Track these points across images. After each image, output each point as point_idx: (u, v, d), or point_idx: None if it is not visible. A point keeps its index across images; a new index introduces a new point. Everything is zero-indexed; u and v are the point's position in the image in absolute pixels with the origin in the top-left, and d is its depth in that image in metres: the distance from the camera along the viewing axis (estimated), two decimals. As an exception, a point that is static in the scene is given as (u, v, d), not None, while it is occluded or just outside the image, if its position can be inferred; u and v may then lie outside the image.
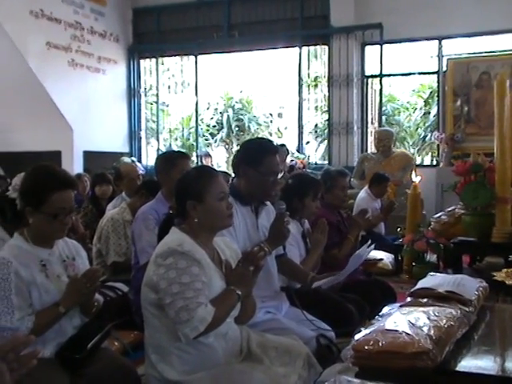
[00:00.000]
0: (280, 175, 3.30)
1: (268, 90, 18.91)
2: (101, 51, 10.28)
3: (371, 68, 9.78)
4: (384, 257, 5.55)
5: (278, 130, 18.89)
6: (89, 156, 9.64)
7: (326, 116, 10.37)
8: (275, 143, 3.25)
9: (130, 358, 2.78)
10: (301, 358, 2.39)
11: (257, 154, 2.93)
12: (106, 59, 10.42)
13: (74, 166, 9.12)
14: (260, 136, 16.86)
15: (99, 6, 10.19)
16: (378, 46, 9.48)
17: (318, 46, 10.30)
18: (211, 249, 2.45)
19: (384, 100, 11.23)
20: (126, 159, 9.20)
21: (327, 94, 9.87)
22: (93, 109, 9.87)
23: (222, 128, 18.78)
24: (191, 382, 2.22)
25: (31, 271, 2.34)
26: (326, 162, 10.10)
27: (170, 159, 3.68)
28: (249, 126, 18.87)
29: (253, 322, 2.61)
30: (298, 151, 10.07)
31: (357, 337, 1.81)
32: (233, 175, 3.36)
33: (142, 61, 11.28)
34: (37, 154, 8.37)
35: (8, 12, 8.36)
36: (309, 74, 10.40)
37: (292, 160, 9.30)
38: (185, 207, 2.41)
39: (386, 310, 2.42)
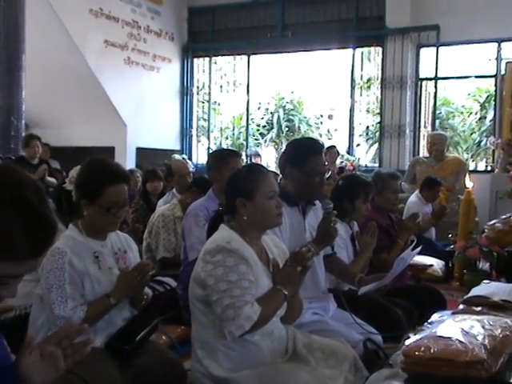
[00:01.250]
0: (327, 175, 3.26)
1: (319, 91, 18.80)
2: (156, 49, 10.43)
3: (426, 70, 9.60)
4: (434, 263, 5.43)
5: (328, 132, 18.77)
6: (141, 152, 9.81)
7: (377, 118, 10.23)
8: (322, 142, 3.22)
9: (177, 352, 2.81)
10: (347, 361, 2.36)
11: (302, 155, 2.92)
12: (161, 57, 10.57)
13: (127, 161, 9.29)
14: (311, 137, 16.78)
15: (156, 6, 10.35)
16: (434, 48, 9.29)
17: (371, 48, 10.18)
18: (259, 247, 2.45)
19: (438, 103, 10.97)
20: (177, 156, 9.29)
21: (379, 96, 9.74)
22: (146, 106, 10.03)
23: (272, 128, 18.77)
24: (236, 380, 2.23)
25: (84, 262, 2.39)
26: (377, 164, 9.97)
27: (221, 157, 3.71)
28: (299, 127, 18.80)
29: (299, 322, 2.60)
30: (348, 153, 9.99)
31: (407, 342, 1.77)
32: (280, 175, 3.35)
33: (195, 59, 11.39)
34: (92, 149, 8.57)
35: (69, 10, 8.58)
36: (361, 76, 10.29)
37: (342, 162, 9.22)
38: (234, 205, 2.41)
39: (435, 316, 2.37)
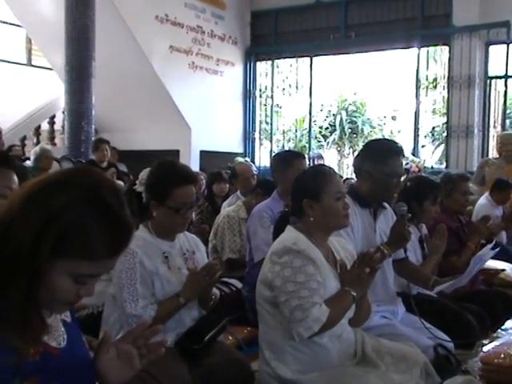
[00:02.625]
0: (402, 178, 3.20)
1: (382, 92, 18.51)
2: (219, 54, 10.55)
3: (495, 68, 9.30)
4: (507, 267, 5.23)
5: (391, 133, 18.43)
6: (205, 155, 9.94)
7: (443, 119, 9.99)
8: (400, 144, 3.18)
9: (244, 353, 2.81)
10: (418, 367, 2.30)
11: (381, 154, 2.88)
12: (224, 61, 10.69)
13: (191, 164, 9.39)
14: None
15: (219, 10, 10.48)
16: (504, 46, 8.99)
17: (437, 47, 9.95)
18: (326, 248, 2.42)
19: (509, 102, 10.61)
20: (240, 159, 9.36)
21: (446, 96, 9.51)
22: (210, 109, 10.15)
23: (335, 130, 18.59)
24: (304, 382, 2.21)
25: (154, 262, 2.44)
26: (443, 166, 9.73)
27: (286, 159, 3.71)
28: (362, 129, 18.54)
29: (367, 325, 2.56)
30: (413, 155, 9.78)
31: (485, 348, 1.72)
32: (345, 177, 3.31)
33: (258, 63, 11.46)
34: (157, 152, 8.73)
35: (136, 17, 8.81)
36: (427, 76, 10.07)
37: (407, 163, 9.04)
38: (301, 206, 2.40)
39: (510, 323, 2.28)
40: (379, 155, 2.88)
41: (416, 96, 9.92)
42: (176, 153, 9.35)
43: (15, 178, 1.81)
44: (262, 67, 11.53)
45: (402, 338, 2.62)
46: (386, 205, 3.04)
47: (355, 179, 3.11)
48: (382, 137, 17.70)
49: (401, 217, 2.87)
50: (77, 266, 1.20)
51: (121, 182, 6.93)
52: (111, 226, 1.20)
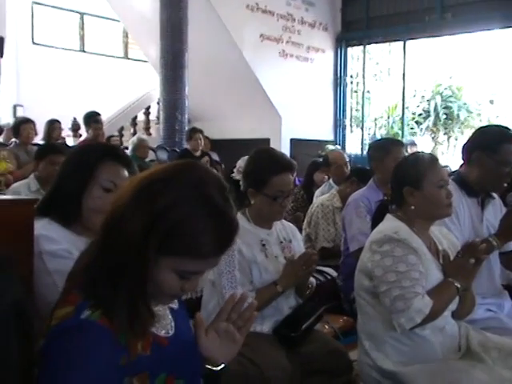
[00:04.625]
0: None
1: (480, 76, 17.72)
2: (310, 41, 10.47)
3: None
4: None
5: (489, 119, 17.63)
6: (295, 143, 9.92)
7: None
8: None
9: (341, 342, 2.79)
10: (528, 363, 2.20)
11: (494, 141, 2.74)
12: (315, 48, 10.60)
13: (282, 152, 9.44)
14: (470, 124, 15.97)
15: (310, -3, 10.41)
16: None
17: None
18: (428, 238, 2.35)
19: None
20: (331, 147, 9.28)
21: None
22: (300, 97, 10.10)
23: (429, 116, 18.03)
24: (406, 374, 2.16)
25: (252, 250, 2.46)
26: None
27: (384, 146, 3.63)
28: (458, 114, 17.88)
29: (471, 318, 2.46)
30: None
31: None
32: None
33: (349, 49, 11.27)
34: (248, 141, 8.82)
35: (226, 7, 8.90)
36: (529, 57, 9.54)
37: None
38: (401, 194, 2.34)
39: None
40: (491, 142, 2.74)
41: (517, 78, 9.43)
42: (266, 141, 9.39)
43: (124, 173, 1.84)
44: (353, 53, 11.34)
45: (508, 332, 2.51)
46: (494, 195, 2.90)
47: (450, 167, 2.98)
48: (479, 122, 16.99)
49: None
50: (182, 264, 1.21)
51: (214, 171, 7.05)
52: (217, 224, 1.20)
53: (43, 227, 1.75)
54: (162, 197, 1.19)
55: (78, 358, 1.14)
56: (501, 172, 2.72)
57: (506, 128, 2.99)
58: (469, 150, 2.84)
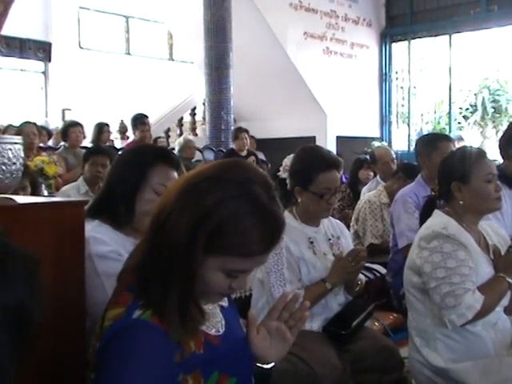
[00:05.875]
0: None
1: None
2: (354, 37, 10.40)
3: None
4: None
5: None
6: (341, 141, 9.86)
7: None
8: None
9: (391, 339, 2.78)
10: None
11: None
12: (359, 45, 10.51)
13: (328, 150, 9.40)
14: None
15: (353, -7, 10.34)
16: None
17: None
18: (477, 233, 2.33)
19: None
20: (377, 144, 9.19)
21: None
22: (345, 94, 10.04)
23: (476, 110, 17.62)
24: (457, 371, 2.14)
25: (300, 247, 2.47)
26: None
27: (431, 142, 3.58)
28: (506, 108, 17.41)
29: (524, 314, 2.42)
30: None
31: None
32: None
33: (393, 44, 11.13)
34: (294, 139, 8.80)
35: (270, 6, 8.93)
36: None
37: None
38: (449, 189, 2.32)
39: None
40: None
41: None
42: (312, 139, 9.37)
43: (174, 176, 1.83)
44: (398, 48, 11.20)
45: None
46: None
47: (498, 161, 2.93)
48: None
49: None
50: (229, 262, 1.21)
51: (259, 169, 7.08)
52: (264, 222, 1.20)
53: (93, 229, 1.76)
54: (208, 196, 1.19)
55: (133, 356, 1.16)
56: None
57: None
58: (504, 144, 2.79)
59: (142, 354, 1.17)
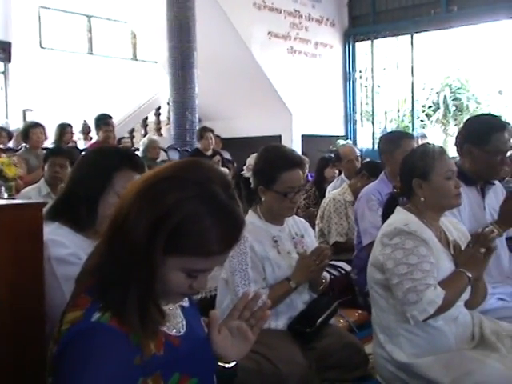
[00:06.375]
0: (509, 153, 3.04)
1: (488, 67, 17.59)
2: (317, 37, 10.48)
3: None
4: None
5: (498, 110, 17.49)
6: (306, 139, 9.93)
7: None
8: (504, 118, 3.01)
9: (356, 336, 2.81)
10: (542, 351, 2.20)
11: (482, 132, 2.75)
12: (323, 44, 10.60)
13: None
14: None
15: (317, -7, 10.40)
16: None
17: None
18: (438, 229, 2.36)
19: None
20: (342, 142, 9.28)
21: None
22: (310, 93, 10.12)
23: (439, 108, 17.94)
24: (420, 366, 2.17)
25: (264, 247, 2.47)
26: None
27: (393, 140, 3.63)
28: (467, 106, 17.77)
29: (483, 309, 2.46)
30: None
31: None
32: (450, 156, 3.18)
33: (357, 44, 11.27)
34: (259, 138, 8.83)
35: (234, 5, 8.94)
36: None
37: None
38: (410, 186, 2.35)
39: None
40: (479, 134, 2.75)
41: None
42: (278, 138, 9.42)
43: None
44: (362, 48, 11.33)
45: (522, 321, 2.50)
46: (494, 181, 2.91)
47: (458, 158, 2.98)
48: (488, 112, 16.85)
49: (510, 194, 2.75)
50: (189, 262, 1.20)
51: (226, 170, 7.08)
52: (223, 222, 1.19)
53: (52, 231, 1.74)
54: (166, 196, 1.17)
55: (91, 360, 1.13)
56: (493, 161, 2.73)
57: (495, 116, 2.98)
58: (460, 142, 2.84)
59: (100, 358, 1.14)
